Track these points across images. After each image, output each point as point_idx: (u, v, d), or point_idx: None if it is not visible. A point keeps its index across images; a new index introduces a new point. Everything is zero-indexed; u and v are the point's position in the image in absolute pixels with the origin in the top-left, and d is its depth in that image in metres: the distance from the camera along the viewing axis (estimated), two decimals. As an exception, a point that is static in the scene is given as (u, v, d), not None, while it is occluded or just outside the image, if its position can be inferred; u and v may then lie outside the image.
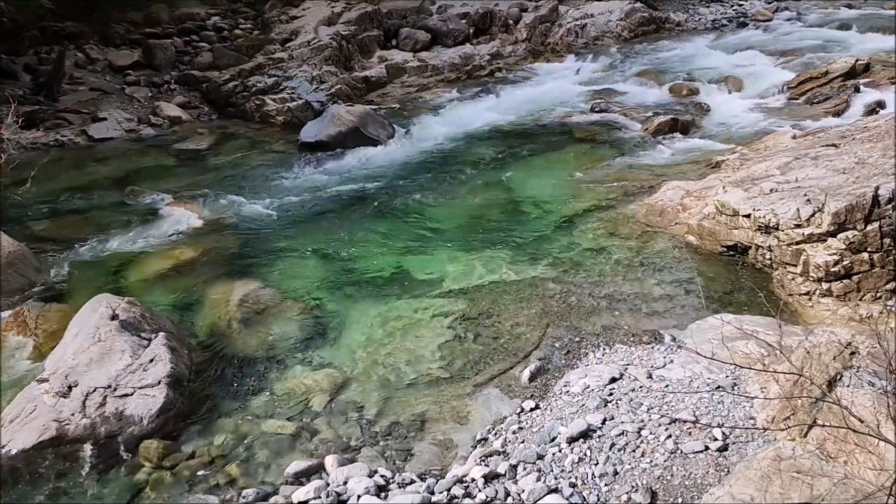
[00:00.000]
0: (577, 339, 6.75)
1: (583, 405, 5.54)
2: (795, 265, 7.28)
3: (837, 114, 12.70)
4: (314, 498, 4.78)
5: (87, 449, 5.53)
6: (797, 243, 7.28)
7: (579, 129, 13.35)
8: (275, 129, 14.38)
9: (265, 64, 16.21)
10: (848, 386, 4.67)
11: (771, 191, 7.90)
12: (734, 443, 4.82)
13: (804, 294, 7.17)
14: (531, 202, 10.20)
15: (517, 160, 11.99)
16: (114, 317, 6.50)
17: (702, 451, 4.77)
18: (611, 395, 5.61)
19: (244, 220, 9.95)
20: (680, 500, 4.42)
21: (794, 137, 10.75)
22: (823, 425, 4.12)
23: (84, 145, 13.32)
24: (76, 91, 15.04)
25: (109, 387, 5.87)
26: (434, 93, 16.47)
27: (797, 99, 13.90)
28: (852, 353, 4.94)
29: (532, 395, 5.95)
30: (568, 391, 5.83)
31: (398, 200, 10.48)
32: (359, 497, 4.71)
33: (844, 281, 7.01)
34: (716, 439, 4.86)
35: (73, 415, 5.66)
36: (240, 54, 16.74)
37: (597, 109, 14.31)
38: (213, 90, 15.57)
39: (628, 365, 6.07)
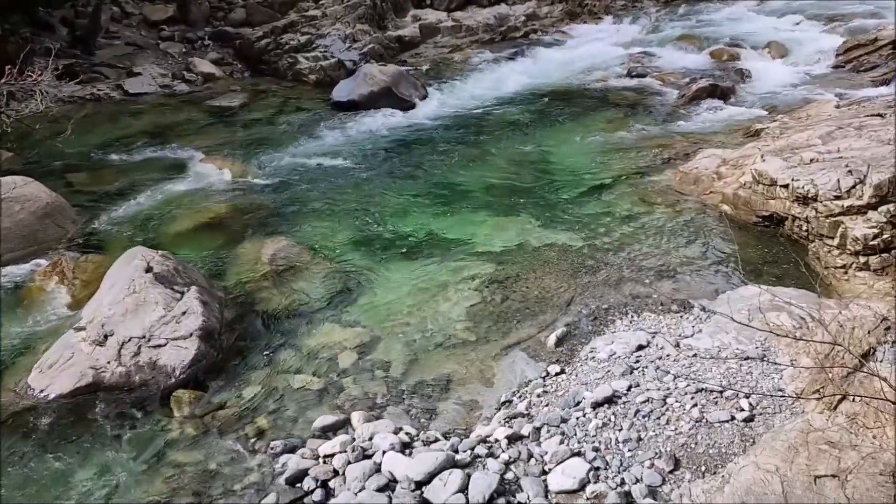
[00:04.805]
0: (605, 305, 6.71)
1: (608, 371, 5.54)
2: (833, 238, 7.13)
3: (885, 83, 12.24)
4: (340, 451, 4.87)
5: (122, 396, 5.70)
6: (836, 215, 7.11)
7: (614, 94, 13.10)
8: (307, 87, 14.35)
9: (298, 21, 16.11)
10: (881, 361, 4.59)
11: (811, 161, 7.70)
12: (761, 413, 4.79)
13: (840, 267, 7.02)
14: (563, 167, 10.08)
15: (550, 124, 11.84)
16: (148, 269, 6.61)
17: (728, 421, 4.75)
18: (637, 362, 5.59)
19: (275, 177, 10.00)
20: (703, 468, 4.42)
21: (837, 106, 10.44)
22: (856, 396, 4.07)
23: (119, 99, 13.46)
24: (112, 45, 15.14)
25: (143, 337, 6.01)
26: (467, 54, 16.25)
27: (843, 66, 13.45)
28: (887, 329, 4.85)
29: (558, 360, 5.96)
30: (594, 357, 5.82)
31: (428, 162, 10.44)
32: (384, 452, 4.78)
33: (883, 255, 6.84)
34: (742, 409, 4.83)
35: (108, 363, 5.81)
36: (273, 11, 16.66)
37: (633, 74, 14.00)
38: (246, 47, 15.55)
39: (656, 333, 6.03)
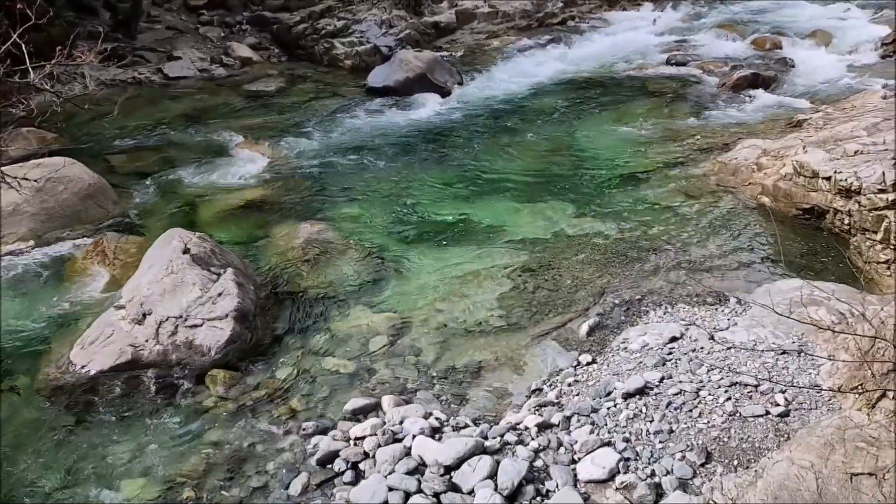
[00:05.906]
0: (638, 296, 6.64)
1: (640, 362, 5.50)
2: (876, 232, 6.94)
3: (935, 73, 11.87)
4: (371, 434, 4.92)
5: (159, 374, 5.82)
6: (880, 209, 6.92)
7: (653, 82, 12.91)
8: (343, 72, 14.40)
9: (335, 6, 16.16)
10: (923, 359, 4.47)
11: (855, 153, 7.50)
12: (796, 409, 4.72)
13: (882, 262, 6.84)
14: (599, 156, 9.98)
15: (586, 113, 11.71)
16: (186, 251, 6.73)
17: (762, 416, 4.69)
18: (670, 353, 5.53)
19: (310, 162, 10.08)
20: (736, 462, 4.37)
21: (884, 97, 10.12)
22: (896, 393, 3.97)
23: (160, 83, 13.67)
24: (153, 29, 15.37)
25: (181, 317, 6.13)
26: (504, 40, 16.12)
27: (891, 56, 13.04)
28: (932, 326, 4.72)
29: (589, 350, 5.93)
30: (626, 347, 5.78)
31: (463, 149, 10.42)
32: (414, 437, 4.81)
33: (928, 251, 6.66)
34: (777, 404, 4.76)
35: (147, 341, 5.95)
36: (311, -4, 16.73)
37: (672, 62, 13.78)
38: (283, 32, 15.65)
39: (690, 325, 5.95)
